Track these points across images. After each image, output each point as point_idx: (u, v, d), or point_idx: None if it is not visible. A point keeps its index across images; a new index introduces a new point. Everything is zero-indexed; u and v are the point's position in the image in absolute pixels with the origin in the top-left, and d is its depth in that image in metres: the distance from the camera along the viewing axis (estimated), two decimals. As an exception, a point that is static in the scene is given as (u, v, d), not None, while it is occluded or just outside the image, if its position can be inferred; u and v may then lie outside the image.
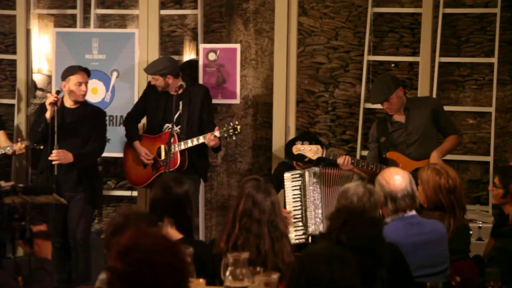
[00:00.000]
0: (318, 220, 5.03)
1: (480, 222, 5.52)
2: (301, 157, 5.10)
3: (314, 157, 5.02)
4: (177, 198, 3.54)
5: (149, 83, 5.64)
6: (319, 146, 5.00)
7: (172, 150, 5.26)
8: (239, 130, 5.21)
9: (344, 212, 2.78)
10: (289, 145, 5.24)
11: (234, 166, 6.39)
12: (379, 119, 5.47)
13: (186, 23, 6.44)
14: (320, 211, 5.00)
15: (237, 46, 6.11)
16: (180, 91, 5.36)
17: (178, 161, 5.30)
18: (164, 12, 6.32)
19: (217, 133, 5.20)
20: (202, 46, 6.10)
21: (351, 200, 3.42)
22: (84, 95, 5.31)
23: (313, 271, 2.13)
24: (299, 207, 5.06)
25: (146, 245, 1.97)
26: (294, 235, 4.99)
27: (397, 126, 5.19)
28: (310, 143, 5.08)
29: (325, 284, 2.09)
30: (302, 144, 5.04)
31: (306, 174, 5.05)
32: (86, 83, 5.31)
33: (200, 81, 6.05)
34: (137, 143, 5.50)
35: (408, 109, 5.16)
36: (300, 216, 5.04)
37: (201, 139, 5.25)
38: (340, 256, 2.14)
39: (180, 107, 5.36)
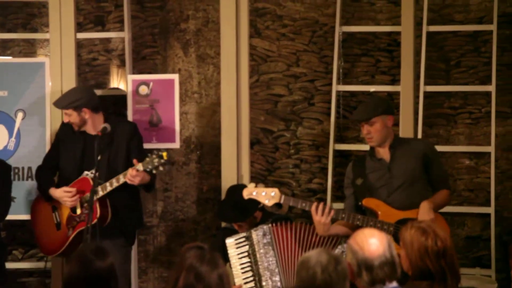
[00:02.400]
0: None
1: (480, 291, 5.62)
2: (249, 209, 5.14)
3: (270, 203, 5.04)
4: (99, 274, 3.54)
5: (62, 123, 5.65)
6: (276, 190, 5.04)
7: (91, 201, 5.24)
8: (165, 158, 5.19)
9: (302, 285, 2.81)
10: (222, 207, 5.35)
11: (175, 226, 6.40)
12: (356, 158, 5.55)
13: (111, 49, 6.48)
14: (277, 278, 5.02)
15: (175, 76, 6.15)
16: (77, 128, 5.42)
17: (98, 213, 5.29)
18: (82, 35, 6.36)
19: (139, 166, 5.22)
20: (131, 77, 6.13)
21: (314, 272, 3.44)
22: None
23: None
24: (251, 278, 5.07)
25: None
26: (251, 313, 5.03)
27: (379, 166, 5.22)
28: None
29: None
30: (256, 186, 5.09)
31: (253, 235, 5.07)
32: None
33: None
34: (53, 190, 5.46)
35: (395, 147, 5.22)
36: (254, 288, 5.07)
37: (122, 179, 5.26)
38: None
39: (102, 150, 5.37)
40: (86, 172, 5.46)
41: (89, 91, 5.64)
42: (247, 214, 5.31)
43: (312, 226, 5.13)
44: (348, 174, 5.32)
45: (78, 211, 5.44)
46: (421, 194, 5.13)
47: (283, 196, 5.04)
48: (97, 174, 5.21)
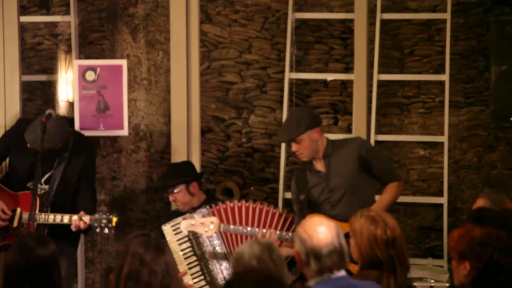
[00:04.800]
0: (226, 271, 5.07)
1: (432, 281, 5.67)
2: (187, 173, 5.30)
3: (208, 234, 5.03)
4: (40, 262, 3.53)
5: (19, 120, 5.59)
6: (215, 219, 5.03)
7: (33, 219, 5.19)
8: (114, 225, 5.20)
9: (236, 273, 2.84)
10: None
11: (123, 216, 6.38)
12: (297, 170, 5.53)
13: (56, 33, 6.44)
14: (225, 260, 5.05)
15: (123, 62, 6.14)
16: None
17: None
18: (26, 18, 6.30)
19: (86, 218, 5.21)
20: (77, 62, 6.11)
21: (250, 265, 3.48)
22: None
23: None
24: (196, 263, 5.09)
25: None
26: (200, 298, 5.04)
27: (318, 179, 5.21)
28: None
29: None
30: (192, 217, 5.07)
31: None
32: None
33: (76, 108, 6.03)
34: None
35: (329, 156, 5.19)
36: (200, 273, 5.07)
37: (65, 220, 5.24)
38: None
39: (55, 165, 5.32)
40: (31, 184, 5.36)
41: None
42: (183, 176, 5.42)
43: (256, 203, 5.18)
44: (293, 189, 5.34)
45: (15, 223, 5.37)
46: (364, 200, 5.12)
47: (221, 225, 5.04)
48: (45, 189, 5.20)
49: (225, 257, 5.08)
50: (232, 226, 5.08)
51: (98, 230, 5.23)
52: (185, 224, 5.05)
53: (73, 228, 5.23)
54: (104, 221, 5.20)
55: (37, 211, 5.22)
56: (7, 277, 3.55)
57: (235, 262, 3.63)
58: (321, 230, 3.63)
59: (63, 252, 5.19)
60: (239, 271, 3.48)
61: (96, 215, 5.21)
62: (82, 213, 5.22)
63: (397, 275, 3.97)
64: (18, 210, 5.36)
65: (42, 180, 5.32)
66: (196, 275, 5.07)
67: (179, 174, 5.50)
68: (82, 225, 5.20)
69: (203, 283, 5.05)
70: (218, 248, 5.10)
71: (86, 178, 5.45)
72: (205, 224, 5.01)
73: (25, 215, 5.27)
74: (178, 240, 5.11)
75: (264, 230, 5.01)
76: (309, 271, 3.63)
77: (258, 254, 3.58)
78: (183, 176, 5.47)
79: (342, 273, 3.64)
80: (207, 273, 5.05)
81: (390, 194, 5.16)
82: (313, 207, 5.18)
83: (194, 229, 5.03)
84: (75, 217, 5.21)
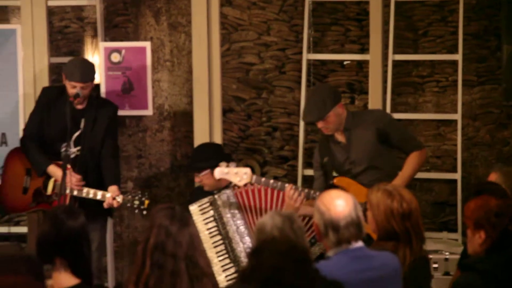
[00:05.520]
0: (249, 250, 5.08)
1: (447, 253, 5.68)
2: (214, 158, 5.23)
3: (241, 183, 5.00)
4: (70, 234, 3.56)
5: (44, 89, 5.62)
6: (248, 169, 5.01)
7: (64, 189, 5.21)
8: (146, 206, 5.23)
9: (260, 241, 2.86)
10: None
11: (148, 193, 6.40)
12: (319, 140, 5.53)
13: (83, 17, 6.45)
14: (248, 238, 5.07)
15: (147, 44, 6.16)
16: (79, 105, 5.36)
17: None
18: (53, 3, 6.30)
19: (119, 198, 5.24)
20: (103, 44, 6.12)
21: (273, 236, 3.50)
22: None
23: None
24: (221, 242, 5.10)
25: None
26: (225, 276, 5.03)
27: (340, 149, 5.22)
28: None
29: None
30: (227, 165, 5.09)
31: (218, 199, 5.09)
32: None
33: (102, 88, 6.07)
34: (53, 168, 5.42)
35: (349, 129, 5.17)
36: (224, 252, 5.08)
37: (99, 196, 5.28)
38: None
39: (82, 125, 5.36)
40: (65, 144, 5.41)
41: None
42: (210, 160, 5.37)
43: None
44: (315, 157, 5.33)
45: (49, 190, 5.43)
46: (386, 171, 5.12)
47: (254, 176, 5.00)
48: (77, 152, 5.23)
49: (248, 236, 5.09)
50: (263, 179, 5.04)
51: (129, 209, 5.28)
52: (218, 172, 5.00)
53: (105, 205, 5.28)
54: (137, 202, 5.24)
55: (71, 184, 5.25)
56: (39, 247, 3.58)
57: (257, 232, 3.65)
58: (339, 203, 3.63)
59: (95, 225, 5.24)
60: (262, 241, 3.50)
61: (129, 196, 5.25)
62: (115, 191, 5.25)
63: (413, 246, 3.97)
64: (53, 179, 5.41)
65: (72, 142, 5.33)
66: (220, 253, 5.08)
67: (206, 158, 5.46)
68: (115, 204, 5.24)
69: (227, 261, 5.07)
70: (241, 228, 5.11)
71: (110, 135, 5.49)
72: (239, 174, 5.00)
73: (59, 185, 5.30)
74: (204, 220, 5.12)
75: (293, 186, 5.00)
76: (328, 242, 3.65)
77: (280, 225, 3.59)
78: (210, 160, 5.40)
79: (360, 244, 3.65)
80: (231, 252, 5.06)
81: (411, 165, 5.14)
82: (337, 169, 5.19)
83: (227, 177, 5.01)
84: (108, 194, 5.24)
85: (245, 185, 5.16)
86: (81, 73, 5.34)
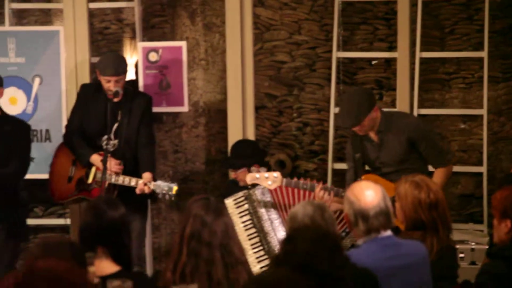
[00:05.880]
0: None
1: (473, 244, 5.66)
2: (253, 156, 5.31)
3: (272, 187, 5.00)
4: (111, 223, 3.59)
5: (82, 86, 5.68)
6: (278, 173, 5.01)
7: (104, 177, 5.26)
8: (174, 192, 5.25)
9: (293, 229, 2.87)
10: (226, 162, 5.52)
11: (184, 186, 6.45)
12: (352, 134, 5.50)
13: (122, 18, 6.50)
14: (281, 232, 5.07)
15: (183, 44, 6.18)
16: (117, 99, 5.41)
17: (103, 193, 5.32)
18: (94, 5, 6.35)
19: (151, 185, 5.28)
20: (141, 44, 6.16)
21: (304, 224, 3.51)
22: None
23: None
24: (255, 234, 5.10)
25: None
26: (259, 267, 5.04)
27: (371, 146, 5.19)
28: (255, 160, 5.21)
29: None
30: (259, 170, 5.07)
31: (252, 194, 5.10)
32: None
33: (140, 86, 6.11)
34: (95, 157, 5.46)
35: (382, 131, 5.12)
36: (259, 244, 5.09)
37: (133, 183, 5.32)
38: (286, 282, 2.22)
39: (119, 117, 5.41)
40: (105, 137, 5.45)
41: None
42: (246, 158, 5.45)
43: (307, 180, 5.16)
44: (348, 150, 5.32)
45: (90, 179, 5.49)
46: (416, 173, 5.08)
47: (284, 180, 5.00)
48: (116, 143, 5.27)
49: (281, 229, 5.09)
50: (293, 181, 5.04)
51: (160, 196, 5.30)
52: (250, 177, 5.03)
53: (137, 191, 5.31)
54: (166, 188, 5.26)
55: (108, 172, 5.30)
56: (82, 236, 3.62)
57: (289, 221, 3.66)
58: (368, 194, 3.63)
59: (134, 215, 5.29)
60: (294, 229, 3.51)
61: (159, 182, 5.28)
62: (148, 177, 5.29)
63: (440, 235, 3.97)
64: (94, 168, 5.47)
65: (112, 134, 5.38)
66: (255, 245, 5.09)
67: (244, 156, 5.53)
68: (146, 190, 5.27)
69: (262, 252, 5.07)
70: (275, 222, 5.12)
71: (144, 124, 5.51)
72: (269, 178, 5.01)
73: (99, 174, 5.39)
74: (239, 213, 5.13)
75: (322, 187, 4.99)
76: (358, 231, 3.65)
77: (311, 214, 3.60)
78: (248, 158, 5.49)
79: (388, 232, 3.64)
80: (265, 244, 5.07)
81: (439, 179, 5.03)
82: (368, 165, 5.19)
83: (258, 182, 5.01)
84: (140, 181, 5.29)
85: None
86: (113, 67, 5.40)
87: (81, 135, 5.57)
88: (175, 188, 5.25)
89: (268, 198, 5.11)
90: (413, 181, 4.03)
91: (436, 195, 3.99)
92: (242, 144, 5.75)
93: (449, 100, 6.31)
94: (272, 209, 5.10)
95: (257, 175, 5.01)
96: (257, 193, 5.11)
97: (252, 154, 5.54)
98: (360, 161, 5.17)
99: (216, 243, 3.42)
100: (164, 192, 5.26)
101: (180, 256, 3.43)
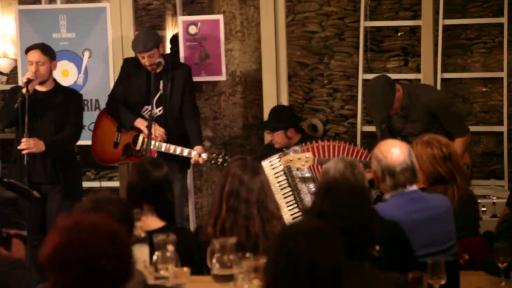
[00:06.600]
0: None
1: (494, 198, 5.61)
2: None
3: (305, 167, 4.99)
4: (156, 182, 3.61)
5: (125, 60, 5.68)
6: (310, 154, 4.99)
7: (152, 145, 5.26)
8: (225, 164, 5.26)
9: (326, 183, 2.84)
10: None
11: (224, 149, 6.46)
12: None
13: (163, -6, 6.50)
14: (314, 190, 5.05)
15: (220, 17, 6.15)
16: (158, 70, 5.39)
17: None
18: (138, -17, 6.38)
19: (204, 156, 5.28)
20: (181, 18, 6.15)
21: (335, 179, 3.48)
22: (36, 76, 5.14)
23: (292, 247, 2.18)
24: (290, 193, 5.09)
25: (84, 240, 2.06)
26: (295, 224, 5.06)
27: (397, 118, 5.18)
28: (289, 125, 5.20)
29: (304, 261, 2.15)
30: (293, 153, 5.04)
31: (287, 154, 5.06)
32: (37, 63, 5.17)
33: (181, 57, 6.11)
34: (140, 121, 5.42)
35: (406, 107, 5.12)
36: (294, 202, 5.08)
37: (186, 153, 5.31)
38: (319, 230, 2.20)
39: (161, 87, 5.40)
40: (147, 107, 5.46)
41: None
42: (283, 122, 5.50)
43: (341, 142, 5.13)
44: (376, 123, 5.31)
45: (138, 145, 5.50)
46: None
47: (316, 159, 4.99)
48: (159, 112, 5.25)
49: (314, 186, 5.07)
50: (324, 159, 5.03)
51: (211, 162, 5.33)
52: (284, 160, 5.03)
53: (192, 161, 5.35)
54: (220, 159, 5.28)
55: (157, 142, 5.30)
56: (129, 195, 3.65)
57: (321, 176, 3.64)
58: (394, 151, 3.61)
59: (176, 175, 5.30)
60: (326, 182, 3.49)
61: (214, 155, 5.28)
62: (201, 149, 5.30)
63: (458, 183, 3.94)
64: (142, 136, 5.47)
65: (154, 104, 5.37)
66: (290, 203, 5.09)
67: (280, 119, 5.55)
68: (200, 161, 5.30)
69: (296, 209, 5.08)
70: (309, 181, 5.10)
71: (187, 94, 5.48)
72: (302, 159, 5.00)
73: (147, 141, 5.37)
74: (274, 174, 5.13)
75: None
76: (385, 187, 3.63)
77: (342, 169, 3.58)
78: (284, 122, 5.54)
79: (414, 187, 3.62)
80: (299, 202, 5.07)
81: (458, 149, 4.88)
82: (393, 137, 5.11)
83: (292, 164, 5.01)
84: (194, 152, 5.28)
85: (315, 140, 5.12)
86: (142, 44, 5.35)
87: (124, 105, 5.56)
88: (229, 160, 5.25)
89: None
90: (424, 141, 4.02)
91: (448, 148, 3.98)
92: (280, 109, 5.77)
93: (470, 64, 6.22)
94: (306, 169, 5.08)
95: (291, 158, 5.00)
96: (293, 154, 5.09)
97: (288, 118, 5.57)
98: (386, 130, 5.13)
99: (253, 200, 3.43)
100: (217, 163, 5.31)
101: (220, 212, 3.45)
